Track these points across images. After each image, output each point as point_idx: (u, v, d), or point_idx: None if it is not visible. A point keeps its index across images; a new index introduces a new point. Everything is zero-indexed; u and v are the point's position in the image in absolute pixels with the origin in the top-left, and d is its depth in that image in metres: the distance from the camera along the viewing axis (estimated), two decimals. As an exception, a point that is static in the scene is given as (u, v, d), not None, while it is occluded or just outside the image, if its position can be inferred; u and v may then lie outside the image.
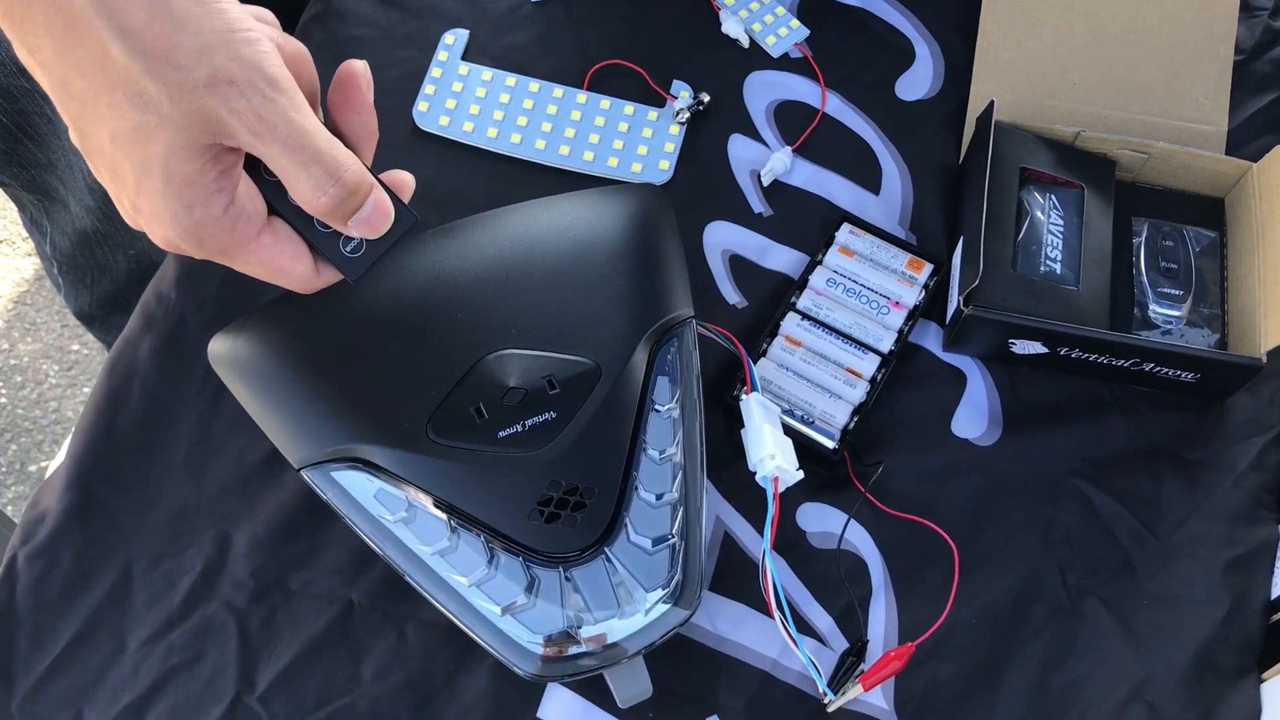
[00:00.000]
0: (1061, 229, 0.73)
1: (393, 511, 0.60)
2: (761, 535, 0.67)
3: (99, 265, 1.04)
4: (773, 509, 0.62)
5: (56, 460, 0.68)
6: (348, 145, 0.51)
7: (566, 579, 0.58)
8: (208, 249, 0.49)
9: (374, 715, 0.62)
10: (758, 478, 0.64)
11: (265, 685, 0.62)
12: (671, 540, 0.60)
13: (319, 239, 0.51)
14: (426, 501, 0.59)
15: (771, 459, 0.63)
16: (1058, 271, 0.71)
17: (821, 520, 0.67)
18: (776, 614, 0.61)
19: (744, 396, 0.66)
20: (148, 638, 0.63)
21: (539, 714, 0.62)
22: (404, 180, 0.54)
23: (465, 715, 0.62)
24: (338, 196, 0.49)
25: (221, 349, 0.64)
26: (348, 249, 0.52)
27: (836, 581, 0.65)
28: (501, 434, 0.60)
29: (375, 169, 0.53)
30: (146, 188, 0.47)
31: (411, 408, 0.61)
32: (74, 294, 1.09)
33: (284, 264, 0.51)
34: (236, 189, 0.48)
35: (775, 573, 0.61)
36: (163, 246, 0.50)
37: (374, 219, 0.51)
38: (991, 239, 0.70)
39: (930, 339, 0.73)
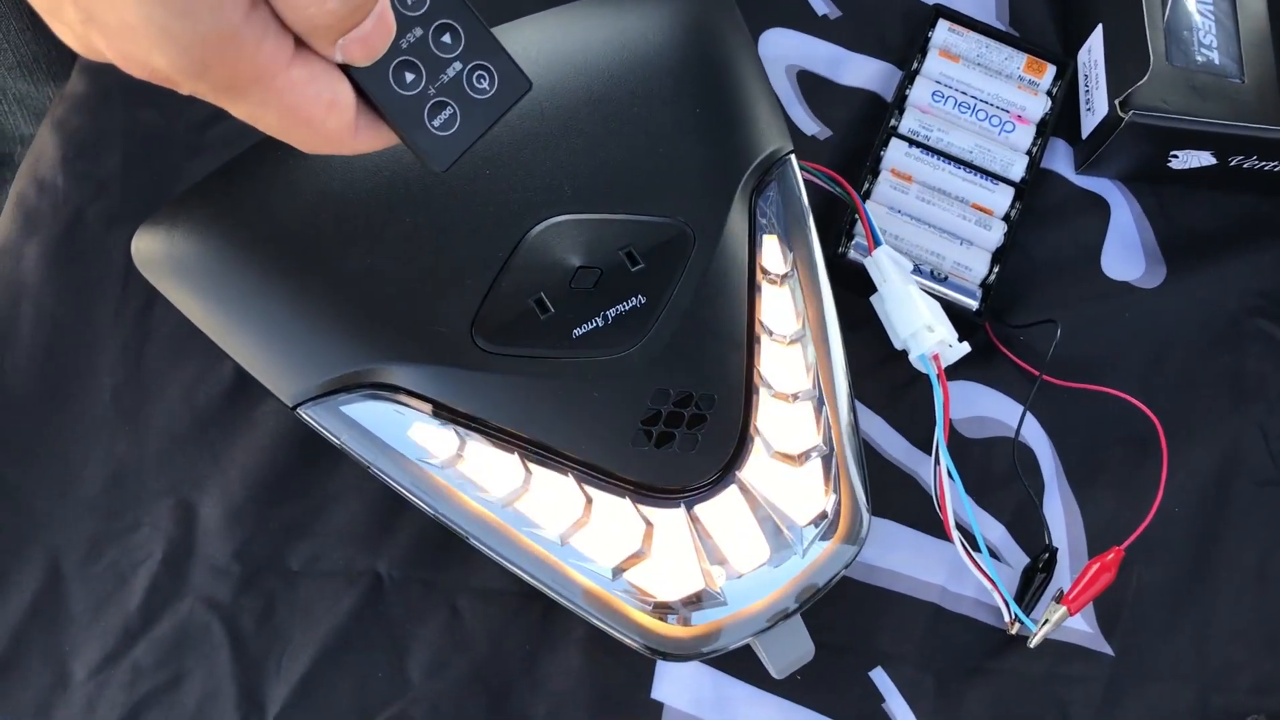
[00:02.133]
0: (1211, 9, 0.58)
1: (438, 451, 0.43)
2: (906, 433, 0.52)
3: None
4: (942, 396, 0.47)
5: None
6: None
7: (693, 519, 0.43)
8: (212, 80, 0.29)
9: (435, 725, 0.46)
10: (911, 357, 0.49)
11: (279, 706, 0.45)
12: (821, 451, 0.44)
13: (397, 105, 0.32)
14: (484, 434, 0.43)
15: (930, 331, 0.48)
16: (1216, 61, 0.57)
17: (969, 403, 0.53)
18: (955, 535, 0.47)
19: (869, 254, 0.50)
20: (100, 660, 0.45)
21: (654, 695, 0.47)
22: None
23: (560, 709, 0.46)
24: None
25: (154, 247, 0.45)
26: (436, 122, 0.33)
27: (1000, 480, 0.51)
28: (577, 332, 0.44)
29: None
30: None
31: (446, 307, 0.44)
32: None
33: (314, 112, 0.31)
34: None
35: (958, 480, 0.46)
36: (140, 75, 0.30)
37: (374, 38, 0.32)
38: (1135, 26, 0.55)
39: (1058, 160, 0.58)
